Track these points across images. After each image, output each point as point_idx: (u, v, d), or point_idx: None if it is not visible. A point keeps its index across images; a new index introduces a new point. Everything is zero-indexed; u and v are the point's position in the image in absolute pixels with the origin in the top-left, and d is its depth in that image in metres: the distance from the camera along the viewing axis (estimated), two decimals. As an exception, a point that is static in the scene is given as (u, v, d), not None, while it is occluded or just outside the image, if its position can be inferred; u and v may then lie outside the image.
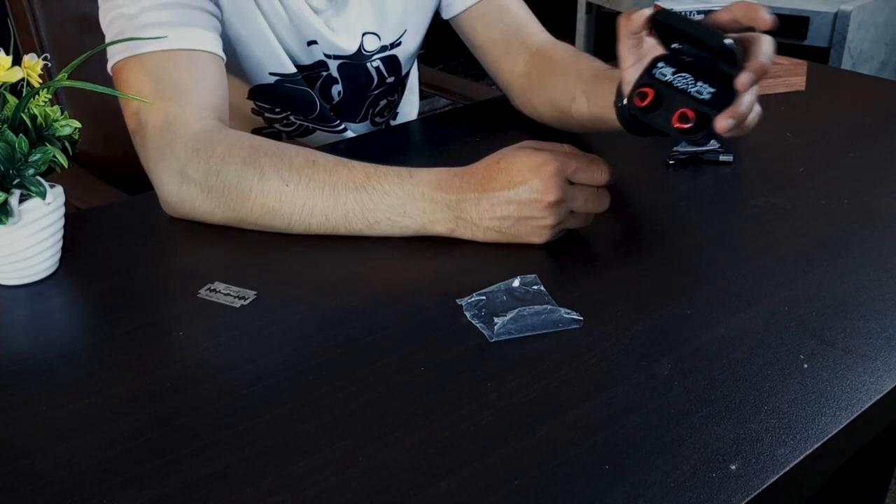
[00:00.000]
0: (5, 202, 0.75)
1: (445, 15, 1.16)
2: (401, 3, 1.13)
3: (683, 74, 0.79)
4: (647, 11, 0.81)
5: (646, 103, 0.79)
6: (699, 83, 0.78)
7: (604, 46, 2.87)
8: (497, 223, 0.81)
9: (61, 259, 0.82)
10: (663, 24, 0.80)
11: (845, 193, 0.95)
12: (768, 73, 0.77)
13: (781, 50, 1.47)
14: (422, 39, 1.20)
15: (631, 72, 0.84)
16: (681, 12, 0.78)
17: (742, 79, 0.75)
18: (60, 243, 0.81)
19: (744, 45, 0.76)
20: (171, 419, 0.63)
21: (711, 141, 1.02)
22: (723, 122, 0.76)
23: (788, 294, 0.77)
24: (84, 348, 0.73)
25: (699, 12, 1.19)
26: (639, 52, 0.84)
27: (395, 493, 0.56)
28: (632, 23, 0.81)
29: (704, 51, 0.78)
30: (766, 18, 0.75)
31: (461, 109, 1.27)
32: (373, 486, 0.57)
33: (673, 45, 0.81)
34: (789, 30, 2.28)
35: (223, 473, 0.58)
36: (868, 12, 2.28)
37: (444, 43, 1.28)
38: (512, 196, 0.80)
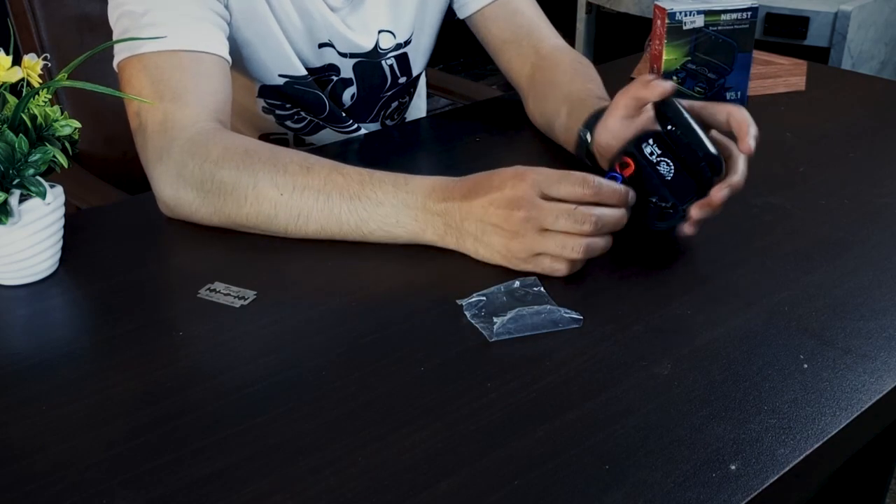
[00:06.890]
0: (5, 202, 0.75)
1: (460, 14, 1.17)
2: (415, 0, 1.13)
3: (668, 161, 0.81)
4: (666, 87, 0.83)
5: (626, 174, 0.81)
6: (680, 175, 0.81)
7: (604, 46, 2.87)
8: (474, 226, 0.79)
9: (61, 259, 0.82)
10: (663, 112, 0.83)
11: (845, 193, 0.95)
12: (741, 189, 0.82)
13: (781, 50, 1.48)
14: (432, 40, 1.20)
15: (613, 121, 0.88)
16: (683, 109, 0.82)
17: (719, 193, 0.79)
18: (60, 243, 0.81)
19: (725, 151, 0.82)
20: (171, 419, 0.63)
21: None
22: (697, 212, 0.80)
23: (788, 294, 0.77)
24: (84, 348, 0.73)
25: (699, 12, 1.19)
26: (635, 111, 0.87)
27: (395, 493, 0.56)
28: (646, 94, 0.84)
29: (693, 146, 0.80)
30: (750, 146, 0.80)
31: (461, 109, 1.27)
32: (373, 486, 0.57)
33: (668, 127, 0.82)
34: (789, 30, 2.28)
35: (223, 473, 0.58)
36: (868, 12, 2.29)
37: (444, 43, 1.28)
38: (487, 201, 0.78)
